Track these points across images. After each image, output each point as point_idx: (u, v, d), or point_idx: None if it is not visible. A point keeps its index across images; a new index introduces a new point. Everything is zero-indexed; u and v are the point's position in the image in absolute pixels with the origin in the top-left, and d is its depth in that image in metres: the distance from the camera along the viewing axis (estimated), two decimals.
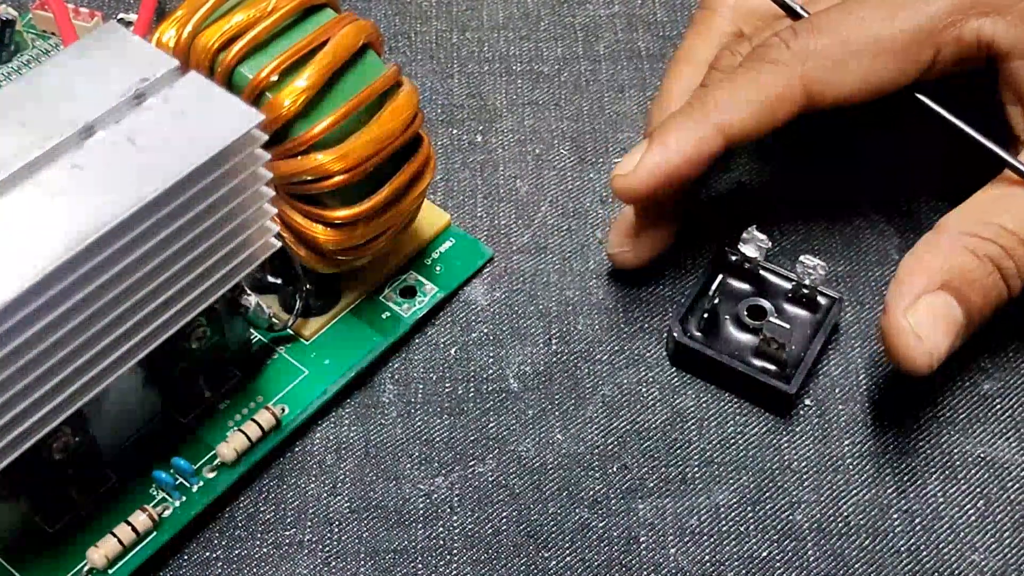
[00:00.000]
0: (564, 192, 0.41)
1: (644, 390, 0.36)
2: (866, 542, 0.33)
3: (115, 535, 0.32)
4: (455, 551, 0.33)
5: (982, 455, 0.35)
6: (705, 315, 0.36)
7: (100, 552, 0.31)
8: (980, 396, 0.36)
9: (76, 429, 0.31)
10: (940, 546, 0.33)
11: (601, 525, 0.33)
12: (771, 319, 0.35)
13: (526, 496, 0.34)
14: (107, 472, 0.33)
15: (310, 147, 0.33)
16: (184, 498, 0.33)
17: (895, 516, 0.33)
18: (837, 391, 0.36)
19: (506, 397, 0.36)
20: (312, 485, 0.34)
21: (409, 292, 0.38)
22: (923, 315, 0.32)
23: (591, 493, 0.34)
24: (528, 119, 0.44)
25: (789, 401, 0.35)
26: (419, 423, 0.36)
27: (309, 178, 0.33)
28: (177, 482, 0.33)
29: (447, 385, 0.36)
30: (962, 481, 0.34)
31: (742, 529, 0.33)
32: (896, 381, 0.36)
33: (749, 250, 0.36)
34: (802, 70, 0.34)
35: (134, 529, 0.32)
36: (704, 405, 0.36)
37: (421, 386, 0.36)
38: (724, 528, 0.33)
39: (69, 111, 0.29)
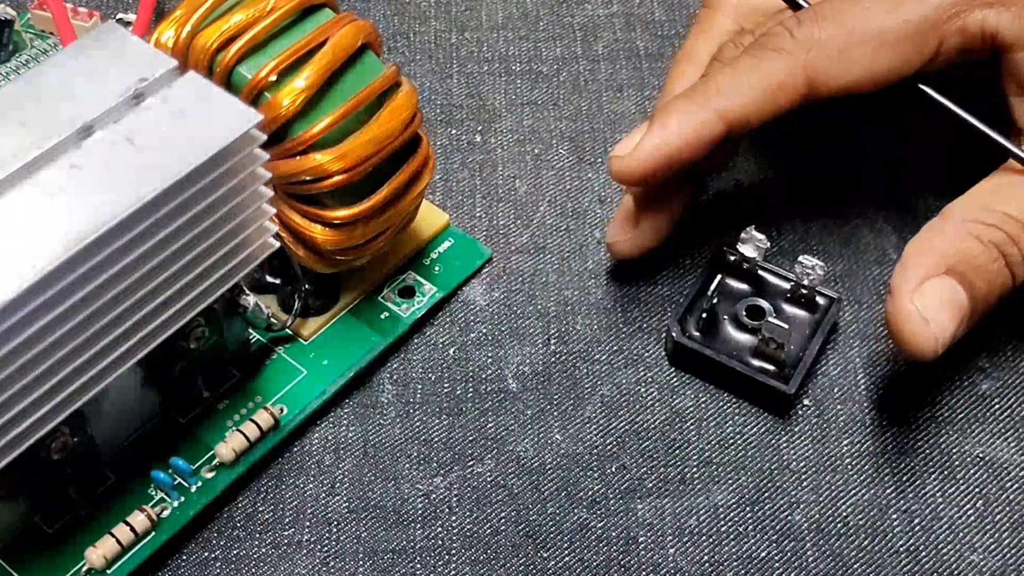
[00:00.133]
0: (563, 192, 0.41)
1: (643, 390, 0.36)
2: (865, 542, 0.33)
3: (113, 535, 0.32)
4: (454, 551, 0.33)
5: (981, 455, 0.35)
6: (704, 315, 0.36)
7: (98, 552, 0.31)
8: (979, 396, 0.36)
9: (75, 429, 0.31)
10: (939, 546, 0.33)
11: (600, 525, 0.33)
12: (770, 319, 0.35)
13: (525, 496, 0.34)
14: (106, 472, 0.33)
15: (309, 147, 0.33)
16: (183, 498, 0.33)
17: (894, 516, 0.33)
18: (836, 391, 0.36)
19: (505, 397, 0.36)
20: (311, 485, 0.34)
21: (408, 292, 0.38)
22: (929, 299, 0.31)
23: (590, 493, 0.34)
24: (527, 119, 0.44)
25: (788, 401, 0.35)
26: (418, 423, 0.36)
27: (308, 178, 0.33)
28: (176, 482, 0.33)
29: (446, 385, 0.36)
30: (961, 481, 0.34)
31: (741, 529, 0.33)
32: (895, 381, 0.36)
33: (748, 250, 0.36)
34: (805, 59, 0.34)
35: (132, 529, 0.32)
36: (703, 405, 0.36)
37: (420, 386, 0.36)
38: (723, 528, 0.33)
39: (68, 111, 0.29)
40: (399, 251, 0.38)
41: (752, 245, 0.36)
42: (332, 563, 0.33)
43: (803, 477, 0.34)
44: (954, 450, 0.35)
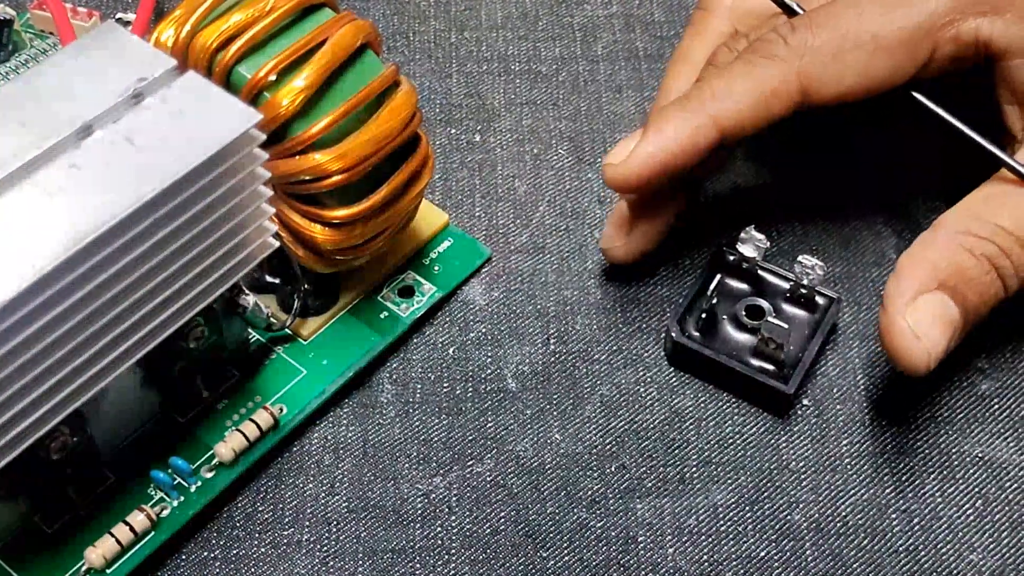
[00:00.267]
0: (562, 192, 0.41)
1: (642, 390, 0.36)
2: (864, 542, 0.33)
3: (113, 535, 0.32)
4: (453, 551, 0.33)
5: (980, 455, 0.35)
6: (703, 315, 0.36)
7: (98, 552, 0.31)
8: (978, 396, 0.36)
9: (74, 429, 0.31)
10: (938, 546, 0.33)
11: (599, 525, 0.33)
12: (769, 319, 0.35)
13: (524, 496, 0.34)
14: (105, 472, 0.33)
15: (308, 147, 0.33)
16: (182, 498, 0.33)
17: (893, 516, 0.33)
18: (835, 391, 0.36)
19: (504, 397, 0.36)
20: (310, 485, 0.34)
21: (407, 292, 0.38)
22: (921, 314, 0.32)
23: (589, 493, 0.34)
24: (526, 119, 0.44)
25: (787, 401, 0.35)
26: (417, 423, 0.36)
27: (307, 178, 0.33)
28: (175, 482, 0.33)
29: (445, 385, 0.36)
30: (960, 481, 0.34)
31: (740, 529, 0.33)
32: (894, 381, 0.36)
33: (747, 250, 0.36)
34: (799, 65, 0.34)
35: (132, 529, 0.32)
36: (702, 405, 0.36)
37: (419, 386, 0.36)
38: (722, 528, 0.33)
39: (67, 111, 0.29)
40: (398, 251, 0.38)
41: (752, 245, 0.36)
42: (331, 563, 0.33)
43: (802, 477, 0.34)
44: (953, 450, 0.35)
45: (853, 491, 0.34)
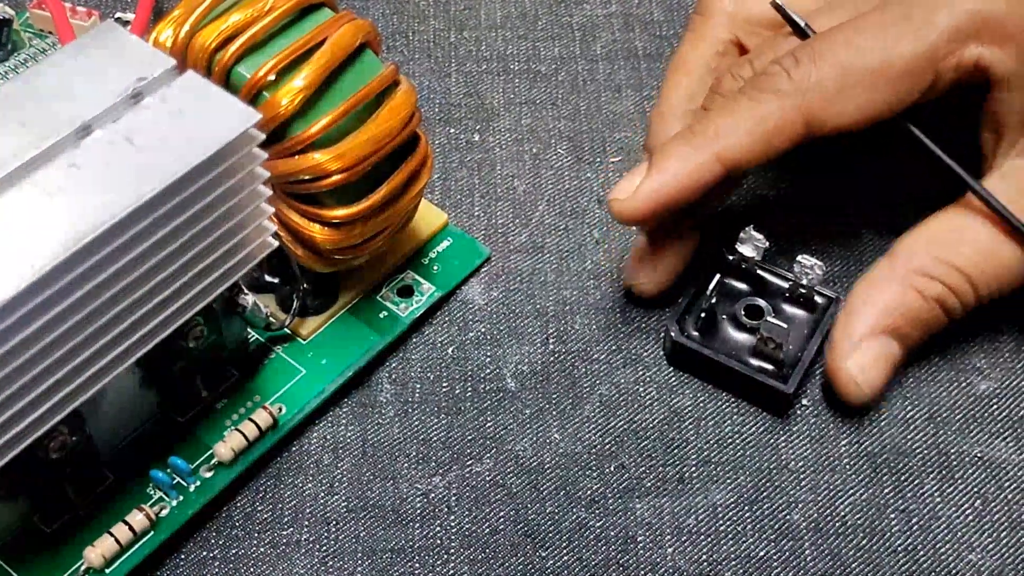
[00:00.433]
0: (561, 192, 0.41)
1: (641, 390, 0.36)
2: (863, 542, 0.33)
3: (112, 535, 0.32)
4: (452, 550, 0.33)
5: (979, 455, 0.35)
6: (703, 315, 0.36)
7: (97, 552, 0.31)
8: (977, 397, 0.36)
9: (73, 428, 0.31)
10: (937, 546, 0.33)
11: (598, 525, 0.33)
12: (768, 318, 0.35)
13: (523, 496, 0.34)
14: (104, 472, 0.33)
15: (308, 146, 0.33)
16: (181, 497, 0.33)
17: (892, 516, 0.33)
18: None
19: (503, 397, 0.36)
20: (309, 485, 0.34)
21: (406, 291, 0.38)
22: (865, 357, 0.34)
23: (588, 493, 0.34)
24: (525, 118, 0.44)
25: (787, 401, 0.35)
26: (416, 422, 0.36)
27: (307, 177, 0.33)
28: (174, 481, 0.33)
29: (444, 384, 0.36)
30: (959, 481, 0.34)
31: (739, 529, 0.33)
32: (893, 381, 0.36)
33: (747, 250, 0.36)
34: (802, 100, 0.34)
35: (131, 528, 0.32)
36: (701, 405, 0.36)
37: (418, 385, 0.36)
38: (721, 528, 0.33)
39: (66, 110, 0.29)
40: (398, 250, 0.38)
41: (751, 245, 0.36)
42: (331, 562, 0.33)
43: (801, 477, 0.34)
44: (952, 450, 0.35)
45: (852, 491, 0.34)
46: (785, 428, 0.35)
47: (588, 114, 0.44)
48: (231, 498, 0.34)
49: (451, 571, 0.33)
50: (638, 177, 0.35)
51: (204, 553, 0.33)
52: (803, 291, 0.36)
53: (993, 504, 0.34)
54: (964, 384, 0.36)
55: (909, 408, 0.36)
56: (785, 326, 0.34)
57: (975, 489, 0.34)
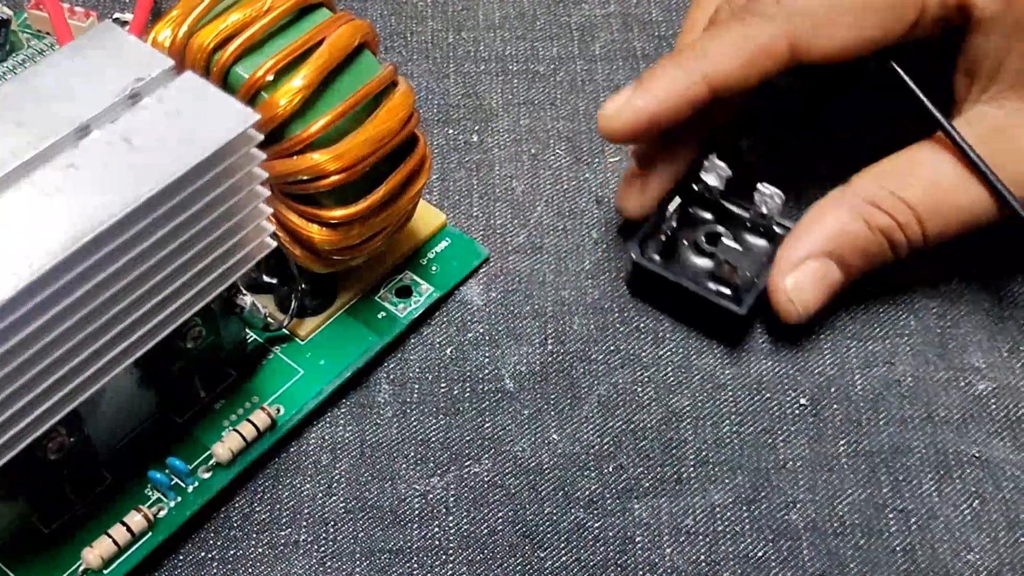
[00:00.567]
0: (560, 192, 0.41)
1: (640, 390, 0.36)
2: (861, 541, 0.33)
3: (110, 535, 0.32)
4: (451, 551, 0.33)
5: (977, 455, 0.35)
6: (663, 239, 0.37)
7: (95, 552, 0.31)
8: (975, 396, 0.36)
9: (72, 429, 0.31)
10: (935, 545, 0.33)
11: (597, 525, 0.33)
12: (724, 241, 0.36)
13: (522, 496, 0.34)
14: (102, 472, 0.33)
15: (306, 147, 0.33)
16: (179, 498, 0.33)
17: (890, 515, 0.33)
18: (832, 390, 0.36)
19: (502, 397, 0.36)
20: (307, 485, 0.34)
21: (405, 292, 0.38)
22: (804, 277, 0.35)
23: (587, 493, 0.34)
24: (524, 119, 0.44)
25: (740, 322, 0.36)
26: (415, 423, 0.36)
27: (305, 178, 0.33)
28: (172, 482, 0.33)
29: (443, 385, 0.36)
30: (957, 480, 0.34)
31: (737, 529, 0.33)
32: (891, 381, 0.36)
33: (710, 178, 0.37)
34: (789, 25, 0.35)
35: (129, 529, 0.32)
36: (699, 405, 0.36)
37: (417, 386, 0.36)
38: (719, 528, 0.33)
39: (65, 111, 0.29)
40: (396, 251, 0.38)
41: (714, 173, 0.37)
42: (329, 563, 0.33)
43: (799, 477, 0.34)
44: (950, 449, 0.35)
45: (850, 491, 0.34)
46: (783, 428, 0.35)
47: (587, 114, 0.44)
48: (229, 499, 0.34)
49: (449, 572, 0.33)
50: (627, 94, 0.36)
51: (202, 554, 0.33)
52: (763, 221, 0.37)
53: (991, 504, 0.34)
54: (962, 384, 0.36)
55: (907, 408, 0.36)
56: (740, 249, 0.36)
57: (973, 489, 0.34)
